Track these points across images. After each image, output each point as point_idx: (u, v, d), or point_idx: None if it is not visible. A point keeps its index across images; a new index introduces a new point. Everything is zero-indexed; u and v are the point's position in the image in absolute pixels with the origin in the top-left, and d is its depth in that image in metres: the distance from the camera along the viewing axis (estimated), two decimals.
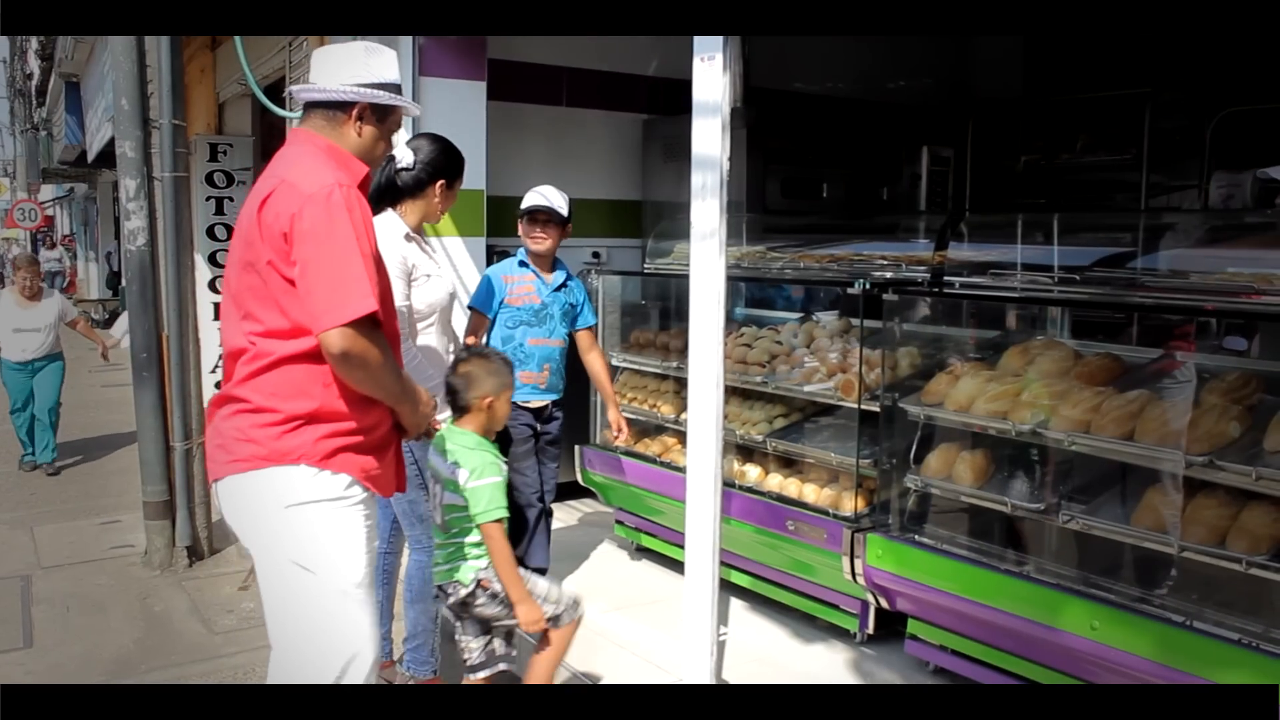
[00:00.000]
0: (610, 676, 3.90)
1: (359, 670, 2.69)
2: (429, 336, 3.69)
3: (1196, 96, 6.23)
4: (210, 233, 8.75)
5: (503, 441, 4.20)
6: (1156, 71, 6.21)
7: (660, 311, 5.33)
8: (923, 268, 3.99)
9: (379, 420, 2.73)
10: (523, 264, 4.40)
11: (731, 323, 5.11)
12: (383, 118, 2.79)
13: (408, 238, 3.61)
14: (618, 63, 6.66)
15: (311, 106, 2.77)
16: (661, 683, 3.81)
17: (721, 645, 3.73)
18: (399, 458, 2.90)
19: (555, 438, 4.53)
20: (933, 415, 3.70)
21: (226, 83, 8.89)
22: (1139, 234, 4.02)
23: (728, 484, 4.43)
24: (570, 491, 5.62)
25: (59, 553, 6.16)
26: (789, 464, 4.41)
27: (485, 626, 3.33)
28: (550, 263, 4.45)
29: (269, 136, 9.09)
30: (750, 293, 5.21)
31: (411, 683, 3.79)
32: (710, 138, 3.19)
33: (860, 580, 3.82)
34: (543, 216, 4.36)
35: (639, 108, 6.79)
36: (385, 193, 3.66)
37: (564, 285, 4.47)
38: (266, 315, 2.60)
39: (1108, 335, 3.98)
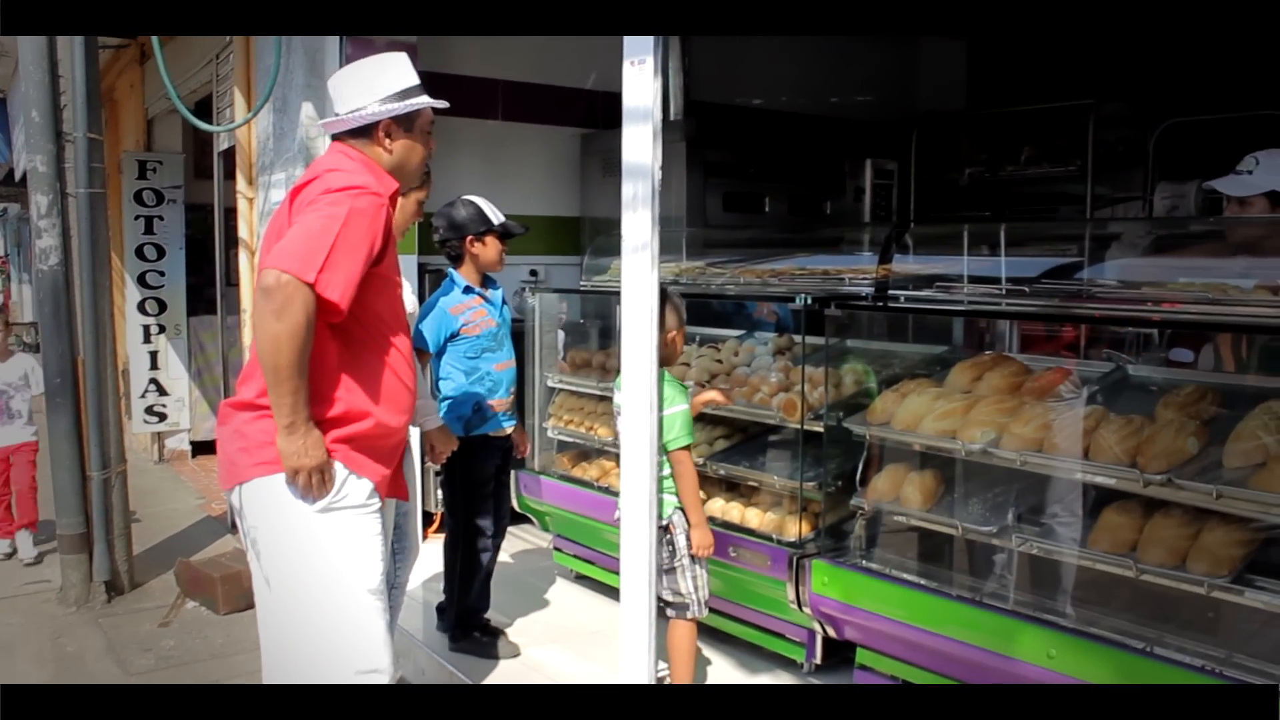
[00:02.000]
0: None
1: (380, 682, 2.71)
2: None
3: (1140, 107, 6.19)
4: (139, 252, 8.48)
5: (467, 479, 4.05)
6: (1099, 82, 6.17)
7: (600, 330, 5.14)
8: (867, 281, 3.85)
9: (399, 426, 2.80)
10: (468, 290, 4.06)
11: None
12: (410, 125, 2.83)
13: None
14: (554, 75, 6.51)
15: (340, 135, 2.84)
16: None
17: (661, 680, 3.53)
18: (402, 465, 2.96)
19: (507, 470, 4.31)
20: (878, 435, 3.54)
21: (155, 98, 8.65)
22: (1085, 244, 3.89)
23: None
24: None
25: None
26: (732, 488, 4.23)
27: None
28: (483, 280, 4.20)
29: (200, 153, 8.84)
30: (690, 309, 5.02)
31: None
32: (641, 145, 3.01)
33: (806, 609, 3.64)
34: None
35: (577, 122, 6.66)
36: None
37: (503, 300, 4.23)
38: None
39: (1054, 348, 3.86)
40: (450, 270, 4.11)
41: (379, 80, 2.79)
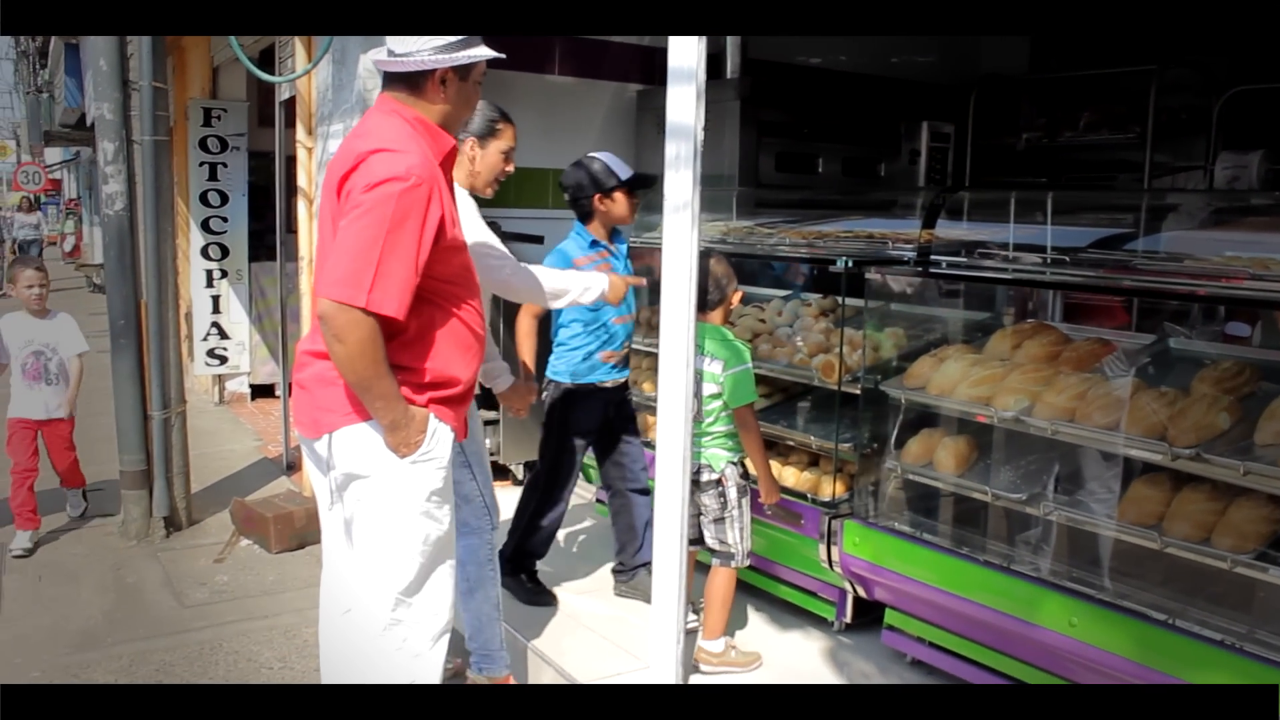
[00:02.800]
0: (577, 660, 3.79)
1: (444, 636, 2.83)
2: None
3: (1205, 74, 6.05)
4: (203, 198, 8.63)
5: (564, 427, 4.12)
6: (1164, 48, 6.04)
7: (651, 287, 5.18)
8: (910, 246, 3.85)
9: (472, 377, 2.83)
10: (594, 244, 4.10)
11: None
12: (465, 74, 2.76)
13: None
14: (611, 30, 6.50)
15: (392, 76, 2.74)
16: (629, 669, 3.70)
17: (692, 633, 3.61)
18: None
19: (632, 414, 4.34)
20: (914, 399, 3.58)
21: (221, 46, 8.74)
22: (1140, 215, 3.86)
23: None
24: None
25: None
26: (770, 446, 4.28)
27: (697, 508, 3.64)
28: (612, 233, 4.21)
29: (264, 101, 8.95)
30: (736, 269, 5.06)
31: (485, 683, 3.58)
32: (685, 106, 3.05)
33: (837, 568, 3.70)
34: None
35: (633, 78, 6.63)
36: None
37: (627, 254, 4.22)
38: None
39: (1102, 319, 3.85)
40: (576, 223, 4.14)
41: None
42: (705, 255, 3.56)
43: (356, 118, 5.39)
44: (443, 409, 2.74)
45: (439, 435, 2.72)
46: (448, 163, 2.79)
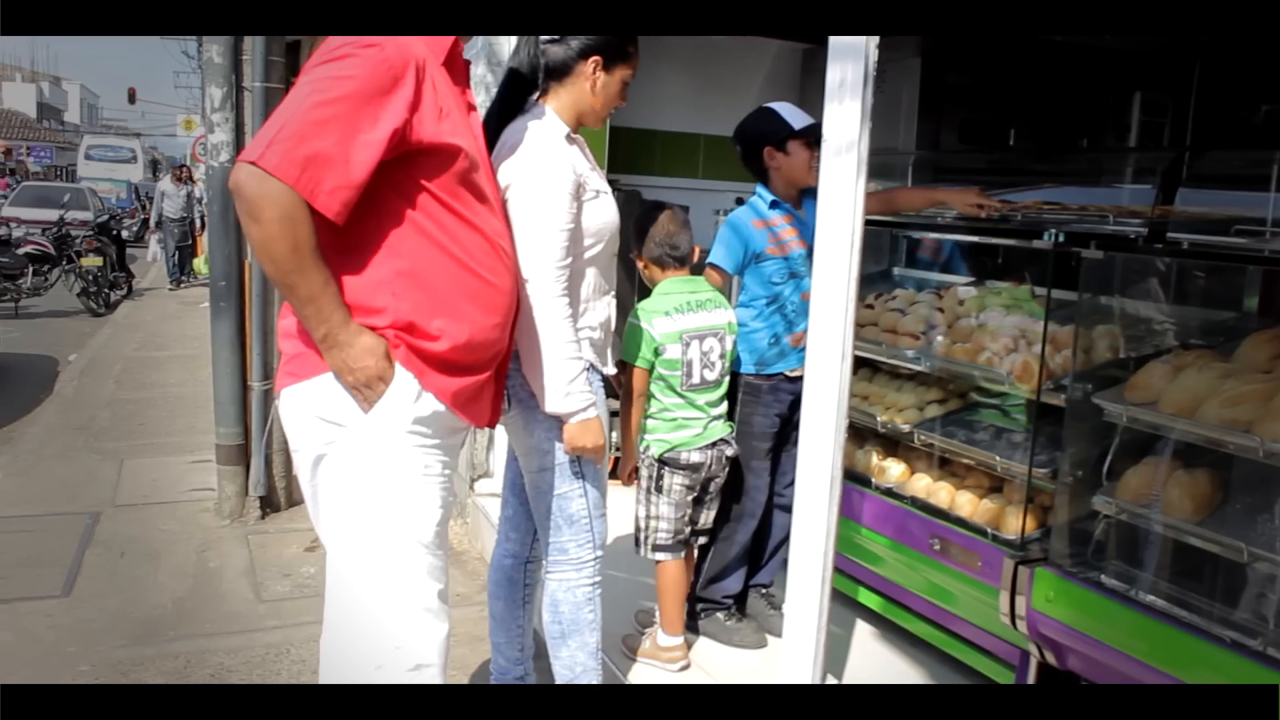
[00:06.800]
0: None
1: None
2: (587, 277, 2.77)
3: None
4: None
5: (744, 426, 3.46)
6: None
7: None
8: (1138, 221, 3.01)
9: (477, 337, 2.26)
10: (775, 205, 3.46)
11: (885, 282, 4.22)
12: None
13: (569, 139, 2.72)
14: None
15: None
16: None
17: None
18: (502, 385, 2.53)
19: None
20: (1139, 417, 2.73)
21: None
22: None
23: (862, 481, 3.57)
24: None
25: (138, 490, 5.75)
26: (942, 463, 3.50)
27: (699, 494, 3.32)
28: (799, 196, 3.53)
29: None
30: (910, 246, 4.27)
31: None
32: None
33: (1021, 626, 2.91)
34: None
35: (798, 35, 5.90)
36: (526, 78, 2.77)
37: None
38: None
39: None
40: (757, 186, 3.51)
41: None
42: (658, 207, 3.28)
43: (482, 64, 4.83)
44: (418, 362, 2.16)
45: (409, 393, 2.14)
46: (452, 60, 2.23)
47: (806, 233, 3.41)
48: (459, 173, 2.17)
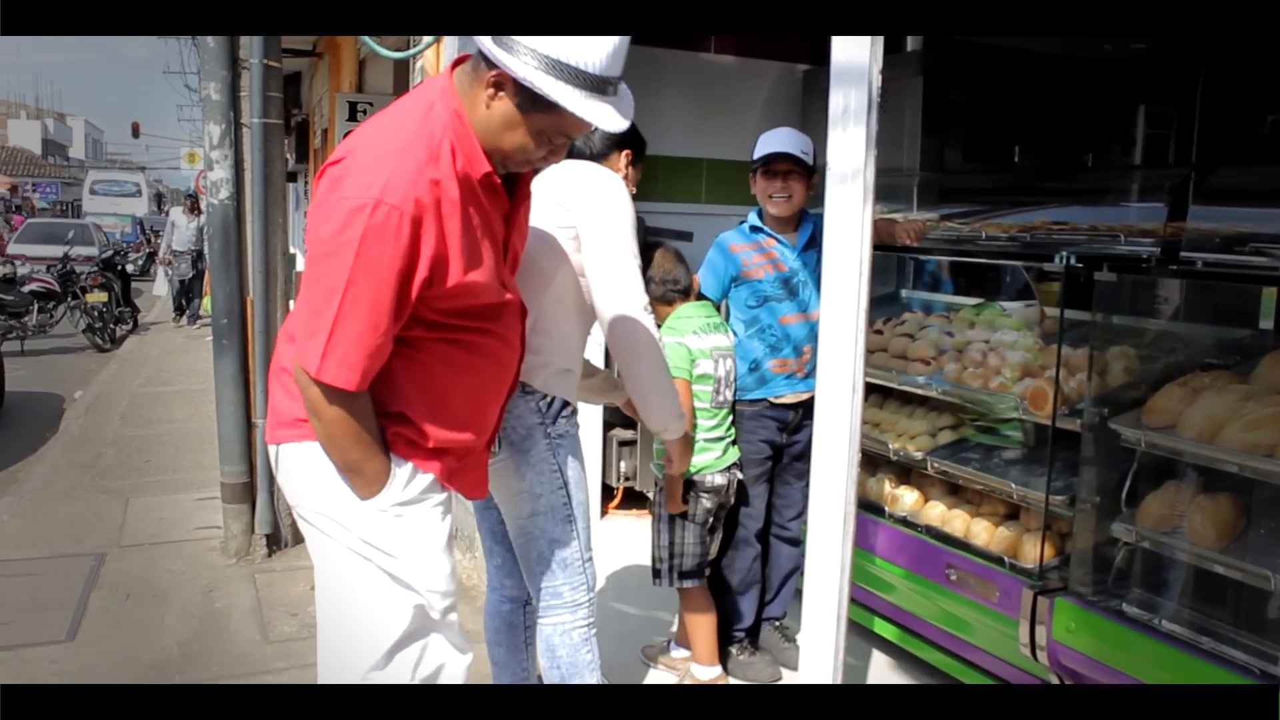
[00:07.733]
0: None
1: None
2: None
3: None
4: None
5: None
6: None
7: None
8: (1149, 240, 2.96)
9: (467, 447, 2.28)
10: (755, 229, 3.46)
11: (893, 304, 4.17)
12: (530, 106, 1.96)
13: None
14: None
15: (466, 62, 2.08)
16: None
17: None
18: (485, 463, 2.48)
19: (806, 448, 3.10)
20: (1159, 441, 2.68)
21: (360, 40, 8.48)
22: None
23: (875, 510, 3.51)
24: None
25: (144, 530, 5.69)
26: (955, 491, 3.44)
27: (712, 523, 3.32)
28: (795, 221, 3.50)
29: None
30: (917, 269, 4.22)
31: None
32: (856, 41, 2.26)
33: (1042, 657, 2.84)
34: (784, 167, 3.37)
35: (799, 57, 5.89)
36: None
37: (814, 242, 3.42)
38: None
39: None
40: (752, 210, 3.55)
41: (554, 38, 1.91)
42: (648, 247, 3.26)
43: None
44: (428, 460, 2.19)
45: (403, 476, 2.17)
46: (484, 185, 2.06)
47: (785, 258, 3.40)
48: (488, 303, 2.15)
